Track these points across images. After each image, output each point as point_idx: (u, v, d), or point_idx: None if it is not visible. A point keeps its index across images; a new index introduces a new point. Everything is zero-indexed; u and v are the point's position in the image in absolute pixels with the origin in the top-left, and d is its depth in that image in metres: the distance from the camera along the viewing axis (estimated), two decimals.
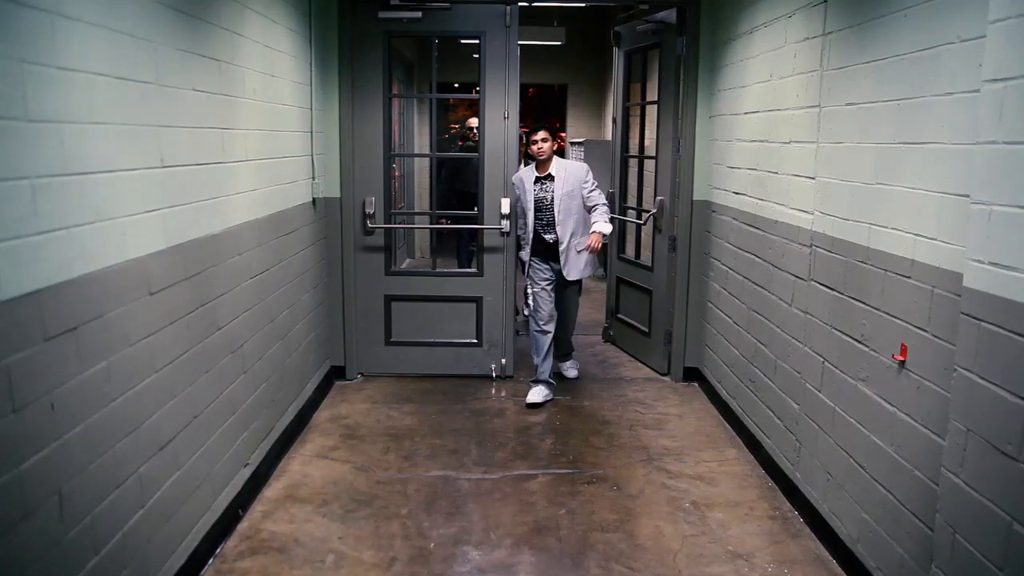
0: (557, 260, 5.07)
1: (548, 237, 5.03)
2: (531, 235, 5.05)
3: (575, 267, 5.07)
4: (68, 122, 2.19)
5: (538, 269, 5.09)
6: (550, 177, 5.00)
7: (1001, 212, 2.05)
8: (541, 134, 4.92)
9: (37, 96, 2.05)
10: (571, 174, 4.98)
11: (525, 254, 5.16)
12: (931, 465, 2.53)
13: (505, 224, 5.28)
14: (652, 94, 5.94)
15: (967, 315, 2.20)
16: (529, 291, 5.12)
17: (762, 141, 4.22)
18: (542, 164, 4.99)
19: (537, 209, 5.03)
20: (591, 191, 4.98)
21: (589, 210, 4.98)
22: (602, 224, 4.92)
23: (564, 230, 4.98)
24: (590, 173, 4.99)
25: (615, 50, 6.20)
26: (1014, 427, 1.99)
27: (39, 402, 2.07)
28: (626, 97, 6.17)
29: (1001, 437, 2.04)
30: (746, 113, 4.48)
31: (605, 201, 5.01)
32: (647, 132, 6.22)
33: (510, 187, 5.16)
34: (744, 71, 4.52)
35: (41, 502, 2.08)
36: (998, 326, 2.06)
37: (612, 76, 6.36)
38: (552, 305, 5.13)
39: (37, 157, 2.05)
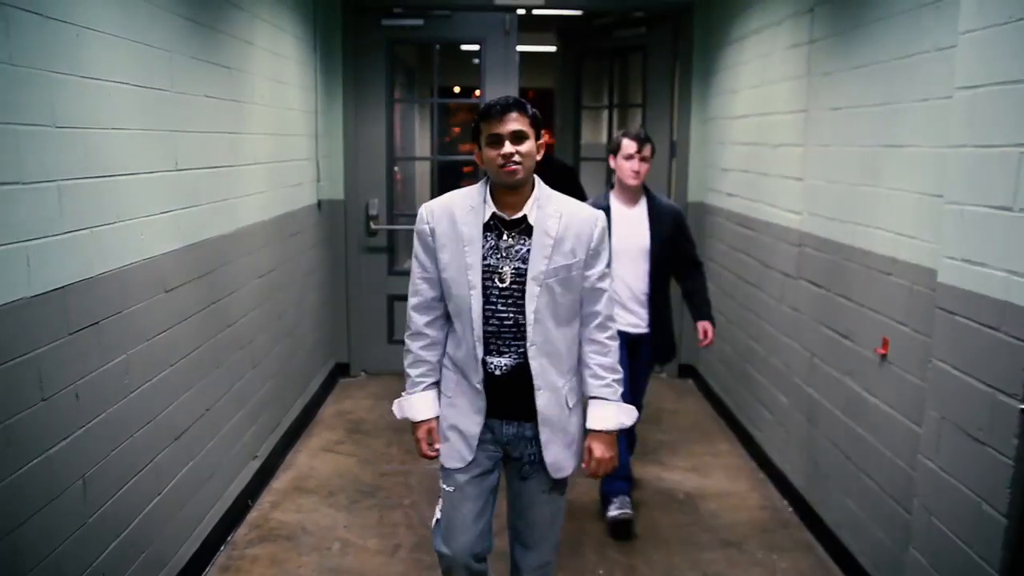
0: (516, 418, 2.28)
1: (496, 364, 2.22)
2: (473, 354, 2.22)
3: (562, 448, 2.28)
4: (91, 128, 2.32)
5: (464, 443, 2.29)
6: (523, 225, 2.20)
7: (972, 212, 2.18)
8: (512, 122, 2.11)
9: (63, 103, 2.18)
10: (572, 227, 2.20)
11: (428, 405, 2.33)
12: (909, 453, 2.66)
13: None
14: (618, 96, 6.14)
15: (942, 309, 2.33)
16: (442, 487, 2.39)
17: (753, 144, 4.35)
18: (508, 194, 2.19)
19: (485, 296, 2.20)
20: (599, 277, 2.24)
21: (581, 321, 2.27)
22: (613, 407, 2.26)
23: (544, 353, 2.21)
24: (606, 231, 2.26)
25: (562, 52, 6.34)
26: (983, 414, 2.11)
27: (65, 392, 2.20)
28: (579, 100, 6.35)
29: (972, 423, 2.17)
30: (738, 117, 4.61)
31: (612, 314, 2.29)
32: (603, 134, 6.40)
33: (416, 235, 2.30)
34: (736, 76, 4.65)
35: (67, 485, 2.21)
36: (969, 319, 2.19)
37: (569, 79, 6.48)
38: (481, 529, 2.32)
39: (63, 161, 2.18)
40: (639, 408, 3.68)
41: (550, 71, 10.22)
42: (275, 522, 3.55)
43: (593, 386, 2.27)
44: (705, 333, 3.64)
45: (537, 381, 2.22)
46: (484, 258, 2.19)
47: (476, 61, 5.55)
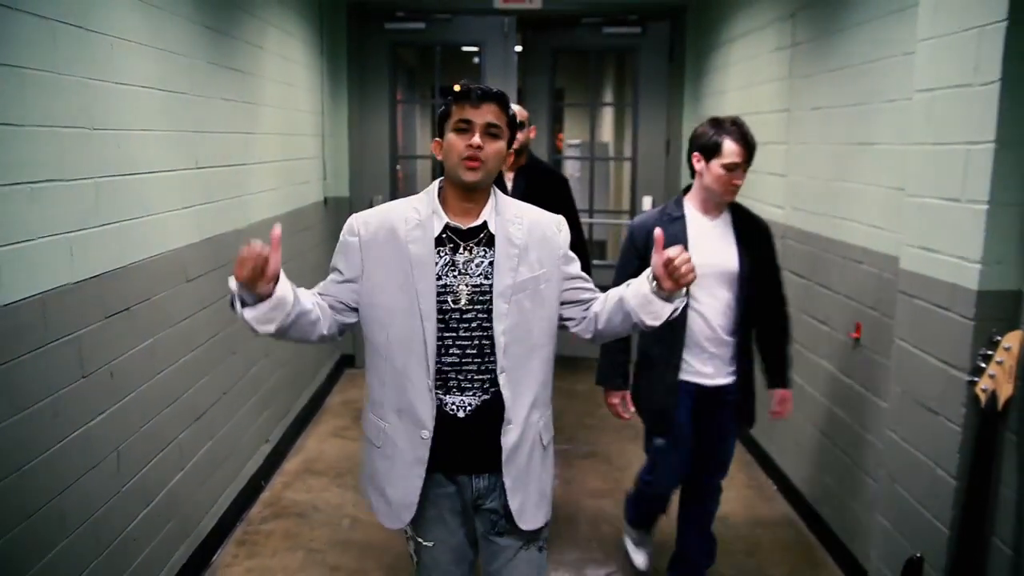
0: (487, 469, 1.95)
1: (457, 404, 1.90)
2: (426, 398, 1.89)
3: (530, 495, 1.97)
4: (123, 129, 2.53)
5: (431, 500, 1.98)
6: (482, 234, 1.91)
7: (928, 203, 2.39)
8: (489, 114, 1.84)
9: (99, 108, 2.39)
10: (535, 233, 1.94)
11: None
12: (878, 428, 2.87)
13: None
14: (613, 95, 6.25)
15: (903, 293, 2.54)
16: (411, 546, 2.08)
17: None
18: (463, 199, 1.90)
19: (443, 325, 1.89)
20: (582, 276, 2.02)
21: (562, 324, 2.03)
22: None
23: (515, 382, 1.91)
24: (569, 235, 2.02)
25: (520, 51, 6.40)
26: (936, 386, 2.32)
27: (102, 370, 2.41)
28: (552, 97, 6.34)
29: (927, 396, 2.38)
30: None
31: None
32: (605, 133, 6.53)
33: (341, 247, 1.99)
34: (725, 77, 4.86)
35: (103, 456, 2.42)
36: (925, 300, 2.40)
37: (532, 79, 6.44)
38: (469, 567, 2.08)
39: (99, 160, 2.39)
40: (718, 491, 2.96)
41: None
42: (287, 501, 3.77)
43: (622, 289, 1.95)
44: (782, 402, 2.85)
45: (508, 415, 1.88)
46: (438, 278, 1.87)
47: (476, 60, 5.76)
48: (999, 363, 2.08)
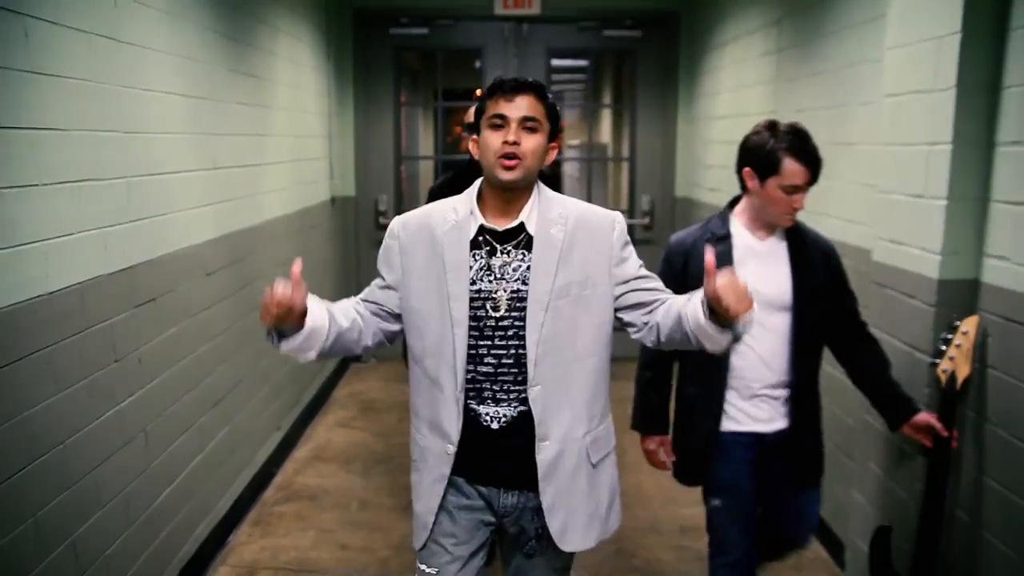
0: (519, 485, 1.86)
1: (492, 414, 1.82)
2: (452, 408, 1.81)
3: (575, 514, 1.85)
4: (150, 132, 2.73)
5: (448, 511, 1.88)
6: (520, 236, 1.82)
7: (896, 199, 2.58)
8: (525, 106, 1.76)
9: (130, 112, 2.58)
10: (581, 232, 1.82)
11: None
12: (855, 411, 3.05)
13: None
14: (611, 96, 6.47)
15: (875, 283, 2.73)
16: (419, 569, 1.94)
17: (732, 143, 4.71)
18: (501, 199, 1.81)
19: (476, 332, 1.80)
20: (639, 277, 1.85)
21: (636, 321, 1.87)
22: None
23: (552, 396, 1.80)
24: (626, 232, 1.86)
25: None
26: (904, 369, 2.51)
27: (131, 356, 2.60)
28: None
29: (898, 378, 2.56)
30: (719, 118, 5.01)
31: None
32: (603, 133, 6.73)
33: (383, 251, 1.91)
34: (717, 80, 5.05)
35: (134, 435, 2.62)
36: (893, 290, 2.59)
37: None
38: None
39: (130, 161, 2.59)
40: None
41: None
42: (299, 485, 3.96)
43: (684, 301, 1.75)
44: (926, 429, 2.28)
45: (540, 430, 1.78)
46: (472, 283, 1.78)
47: (478, 64, 5.95)
48: (958, 346, 2.27)
